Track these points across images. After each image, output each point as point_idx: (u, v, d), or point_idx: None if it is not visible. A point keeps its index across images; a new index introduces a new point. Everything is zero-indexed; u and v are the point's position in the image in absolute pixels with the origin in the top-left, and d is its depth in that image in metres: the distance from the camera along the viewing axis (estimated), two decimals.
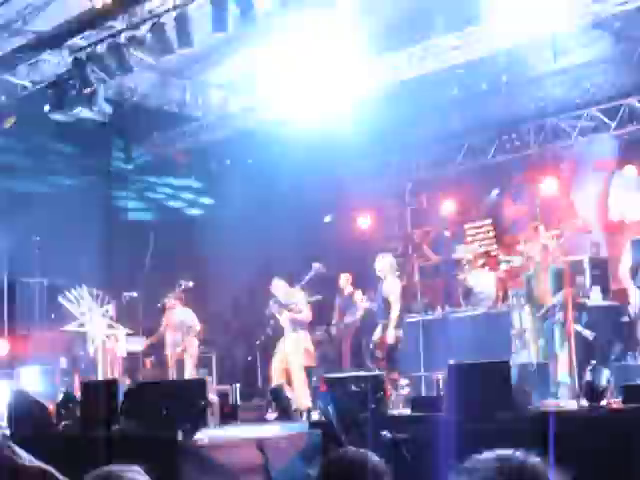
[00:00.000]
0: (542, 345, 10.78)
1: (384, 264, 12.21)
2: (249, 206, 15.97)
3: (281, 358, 12.62)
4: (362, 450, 3.50)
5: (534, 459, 1.81)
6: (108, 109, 12.66)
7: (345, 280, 14.48)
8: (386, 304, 12.05)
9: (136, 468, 3.39)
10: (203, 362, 14.26)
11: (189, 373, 13.38)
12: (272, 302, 12.75)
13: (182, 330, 13.60)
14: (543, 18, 11.49)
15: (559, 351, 10.46)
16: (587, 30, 12.54)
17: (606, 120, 15.25)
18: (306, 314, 12.76)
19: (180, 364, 13.46)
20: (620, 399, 8.48)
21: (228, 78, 15.40)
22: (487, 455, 1.77)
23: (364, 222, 16.57)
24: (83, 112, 12.53)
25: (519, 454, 1.82)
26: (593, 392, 8.65)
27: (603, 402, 8.51)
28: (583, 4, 11.49)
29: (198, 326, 13.79)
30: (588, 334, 10.87)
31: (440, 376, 10.25)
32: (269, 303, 12.80)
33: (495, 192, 16.50)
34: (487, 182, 16.64)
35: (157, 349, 14.01)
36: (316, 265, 12.92)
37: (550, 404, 9.50)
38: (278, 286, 12.91)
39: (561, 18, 11.55)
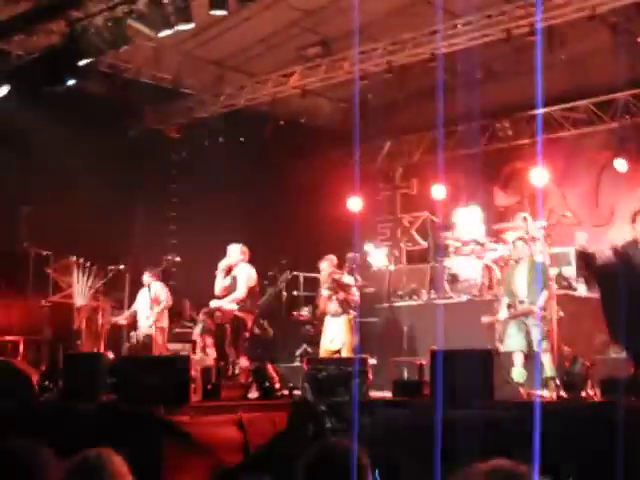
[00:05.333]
0: (518, 339, 10.78)
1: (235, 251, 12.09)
2: (237, 185, 15.97)
3: (332, 339, 12.67)
4: (345, 441, 3.58)
5: (522, 468, 1.83)
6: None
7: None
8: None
9: (108, 450, 3.49)
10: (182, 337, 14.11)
11: (159, 348, 13.19)
12: (329, 278, 12.79)
13: (153, 306, 13.41)
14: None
15: (537, 347, 10.49)
16: (584, 22, 12.54)
17: (599, 113, 15.29)
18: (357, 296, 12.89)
19: (148, 339, 13.27)
20: (599, 392, 8.56)
21: (223, 54, 15.40)
22: (480, 466, 1.78)
23: (355, 205, 16.51)
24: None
25: (508, 463, 1.83)
26: (572, 384, 8.75)
27: (582, 394, 8.61)
28: None
29: (168, 301, 13.62)
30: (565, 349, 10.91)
31: (423, 361, 10.30)
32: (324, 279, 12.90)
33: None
34: (479, 170, 16.64)
35: None
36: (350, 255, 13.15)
37: (532, 395, 9.57)
38: (329, 265, 12.95)
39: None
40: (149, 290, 13.49)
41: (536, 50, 10.41)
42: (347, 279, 12.88)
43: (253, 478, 3.52)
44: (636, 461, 5.27)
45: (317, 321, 13.42)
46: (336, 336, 12.55)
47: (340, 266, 13.13)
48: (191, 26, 11.64)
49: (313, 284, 14.17)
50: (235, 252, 11.83)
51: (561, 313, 11.06)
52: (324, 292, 12.87)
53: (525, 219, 12.02)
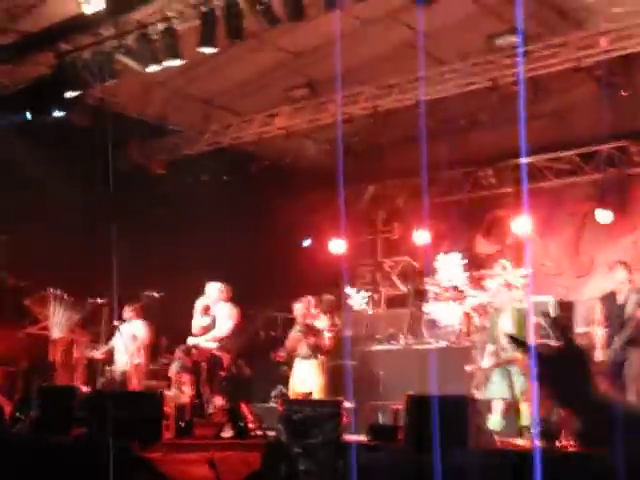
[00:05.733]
0: (501, 386, 10.77)
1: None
2: (220, 223, 15.94)
3: (302, 380, 12.50)
4: None
5: None
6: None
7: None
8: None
9: None
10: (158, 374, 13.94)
11: (133, 386, 12.98)
12: (302, 320, 12.66)
13: (132, 343, 13.23)
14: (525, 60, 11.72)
15: (519, 397, 10.50)
16: (570, 74, 12.67)
17: (582, 164, 15.38)
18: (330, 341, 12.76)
19: (124, 376, 13.09)
20: (574, 442, 8.54)
21: (210, 92, 15.45)
22: None
23: (337, 248, 16.53)
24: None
25: None
26: (548, 433, 8.72)
27: (557, 444, 8.58)
28: (568, 50, 11.64)
29: (146, 339, 13.37)
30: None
31: (399, 406, 10.26)
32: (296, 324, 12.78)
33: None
34: (461, 217, 16.71)
35: None
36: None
37: (508, 444, 9.53)
38: (303, 307, 12.81)
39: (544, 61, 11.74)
40: (128, 326, 13.35)
41: (520, 100, 10.51)
42: (321, 322, 12.75)
43: None
44: None
45: (288, 362, 13.28)
46: (307, 378, 12.40)
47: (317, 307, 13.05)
48: (179, 62, 11.70)
49: (292, 325, 14.10)
50: (213, 291, 11.82)
51: None
52: (297, 333, 12.73)
53: (504, 267, 12.03)
